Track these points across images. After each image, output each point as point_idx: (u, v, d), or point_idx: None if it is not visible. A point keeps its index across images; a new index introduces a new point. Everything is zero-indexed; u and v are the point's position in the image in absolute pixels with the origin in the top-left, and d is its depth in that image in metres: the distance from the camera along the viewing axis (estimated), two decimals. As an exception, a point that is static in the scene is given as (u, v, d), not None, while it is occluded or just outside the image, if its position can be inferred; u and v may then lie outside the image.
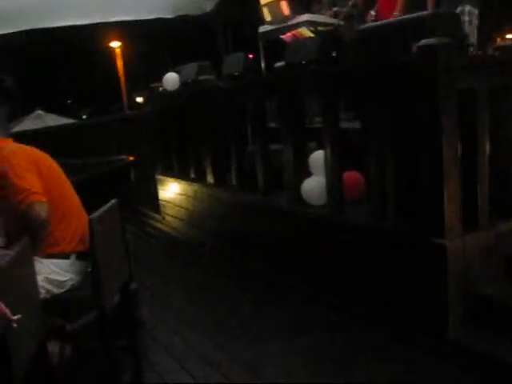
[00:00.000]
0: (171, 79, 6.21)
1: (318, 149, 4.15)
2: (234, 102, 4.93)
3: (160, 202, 6.93)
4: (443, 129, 3.07)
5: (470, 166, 3.33)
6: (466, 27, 4.50)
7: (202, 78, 5.51)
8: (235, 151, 5.05)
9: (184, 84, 5.93)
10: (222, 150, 5.32)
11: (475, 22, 4.87)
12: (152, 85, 6.90)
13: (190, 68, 5.90)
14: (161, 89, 6.57)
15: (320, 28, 5.29)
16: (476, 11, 4.98)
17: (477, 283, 3.19)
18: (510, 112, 3.46)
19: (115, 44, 20.05)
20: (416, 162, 3.26)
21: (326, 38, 4.44)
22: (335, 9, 5.78)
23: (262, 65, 5.82)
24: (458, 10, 4.94)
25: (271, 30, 5.65)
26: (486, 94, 3.29)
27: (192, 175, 5.95)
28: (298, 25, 5.27)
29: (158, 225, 6.75)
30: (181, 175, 6.25)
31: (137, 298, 3.47)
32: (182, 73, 6.10)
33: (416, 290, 3.23)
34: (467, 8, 4.96)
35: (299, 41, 4.73)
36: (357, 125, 3.95)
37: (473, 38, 4.53)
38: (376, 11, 5.29)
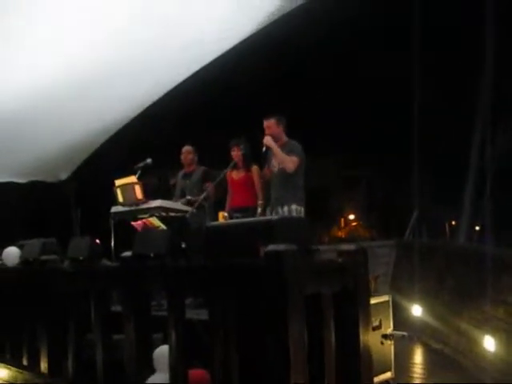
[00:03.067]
0: (11, 254, 5.81)
1: (164, 342, 3.96)
2: (77, 287, 4.65)
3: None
4: (290, 333, 3.04)
5: (318, 369, 3.31)
6: None
7: (44, 257, 5.19)
8: (73, 338, 4.68)
9: (25, 262, 5.55)
10: (60, 335, 4.91)
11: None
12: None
13: (34, 245, 5.57)
14: (0, 263, 6.11)
15: (172, 214, 5.32)
16: (302, 208, 5.39)
17: None
18: (353, 315, 3.56)
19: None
20: (263, 365, 3.18)
21: (175, 229, 4.44)
22: (188, 197, 5.93)
23: (112, 247, 5.66)
24: (285, 209, 5.33)
25: (122, 212, 5.57)
26: (331, 298, 3.37)
27: (24, 362, 5.38)
28: (150, 210, 5.26)
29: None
30: (12, 361, 5.63)
31: None
32: (25, 248, 5.73)
33: None
34: (293, 207, 5.36)
35: (148, 232, 4.69)
36: (204, 315, 3.85)
37: None
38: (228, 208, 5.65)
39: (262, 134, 5.64)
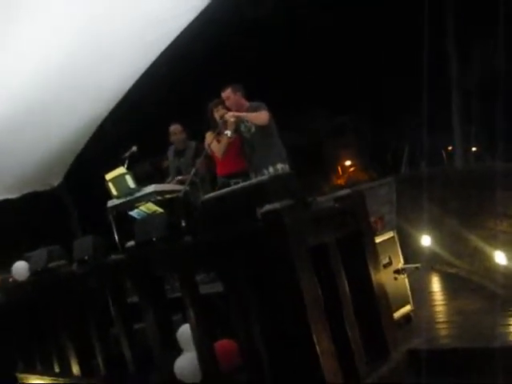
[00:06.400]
0: (20, 268, 5.85)
1: (185, 321, 4.01)
2: (90, 286, 4.71)
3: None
4: (303, 287, 3.08)
5: (337, 318, 3.36)
6: None
7: (52, 264, 5.24)
8: (97, 336, 4.76)
9: (34, 273, 5.60)
10: (84, 336, 4.99)
11: None
12: (1, 276, 6.48)
13: (39, 254, 5.62)
14: (11, 279, 6.16)
15: (168, 196, 5.34)
16: (287, 166, 5.38)
17: None
18: (362, 258, 3.60)
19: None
20: (283, 322, 3.23)
21: (172, 210, 4.46)
22: (179, 177, 5.92)
23: (116, 240, 5.69)
24: (271, 169, 5.31)
25: (119, 204, 5.59)
26: (335, 244, 3.40)
27: (56, 369, 5.47)
28: (145, 196, 5.28)
29: None
30: (44, 371, 5.73)
31: None
32: (32, 260, 5.77)
33: None
34: (279, 166, 5.35)
35: (147, 218, 4.72)
36: (219, 287, 3.89)
37: None
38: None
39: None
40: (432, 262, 6.15)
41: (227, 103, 5.60)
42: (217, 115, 5.75)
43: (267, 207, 3.08)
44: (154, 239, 3.85)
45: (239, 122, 5.51)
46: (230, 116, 5.40)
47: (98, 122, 8.95)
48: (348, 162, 27.63)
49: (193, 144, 6.33)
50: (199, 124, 6.26)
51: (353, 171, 26.81)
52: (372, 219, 4.13)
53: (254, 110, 5.47)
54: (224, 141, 5.56)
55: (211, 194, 3.82)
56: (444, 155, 21.36)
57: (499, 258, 4.70)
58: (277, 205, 3.07)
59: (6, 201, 9.87)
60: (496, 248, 4.76)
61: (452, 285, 5.51)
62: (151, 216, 4.82)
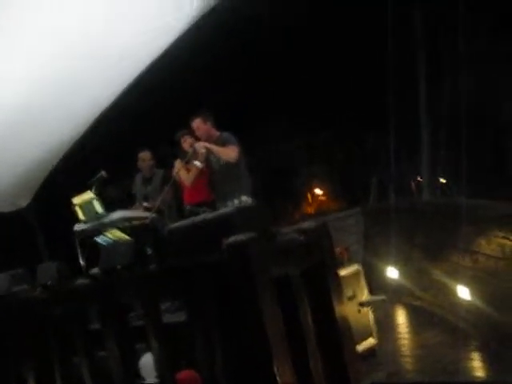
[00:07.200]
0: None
1: (148, 350, 3.98)
2: (53, 312, 4.62)
3: None
4: (266, 319, 3.10)
5: (300, 350, 3.37)
6: None
7: (16, 289, 5.14)
8: (59, 363, 4.66)
9: (-4, 297, 5.48)
10: (46, 363, 4.88)
11: None
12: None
13: (2, 278, 5.50)
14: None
15: (134, 222, 5.31)
16: (252, 199, 5.40)
17: None
18: (325, 290, 3.62)
19: None
20: (245, 353, 3.23)
21: (138, 237, 4.45)
22: (146, 204, 5.92)
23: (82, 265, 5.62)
24: (236, 201, 5.33)
25: (86, 229, 5.54)
26: (299, 277, 3.43)
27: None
28: (112, 223, 5.25)
29: None
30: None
31: None
32: (-6, 283, 5.66)
33: None
34: (243, 198, 5.37)
35: (113, 244, 4.69)
36: (183, 317, 3.88)
37: None
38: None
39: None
40: (398, 295, 6.22)
41: (197, 133, 5.59)
42: (185, 145, 5.81)
43: (232, 238, 3.11)
44: (119, 267, 3.83)
45: (209, 153, 5.52)
46: (201, 147, 5.41)
47: (70, 144, 8.90)
48: (318, 190, 27.76)
49: (160, 172, 6.38)
50: (167, 151, 6.29)
51: (322, 200, 26.93)
52: (338, 249, 4.18)
53: (224, 142, 5.47)
54: (193, 170, 5.58)
55: (178, 223, 3.83)
56: (413, 185, 21.62)
57: (462, 292, 4.78)
58: (241, 236, 3.09)
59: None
60: (459, 282, 4.85)
61: (416, 318, 5.59)
62: (117, 243, 4.79)
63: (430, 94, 12.28)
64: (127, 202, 6.77)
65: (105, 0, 5.59)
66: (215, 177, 5.63)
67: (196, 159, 5.46)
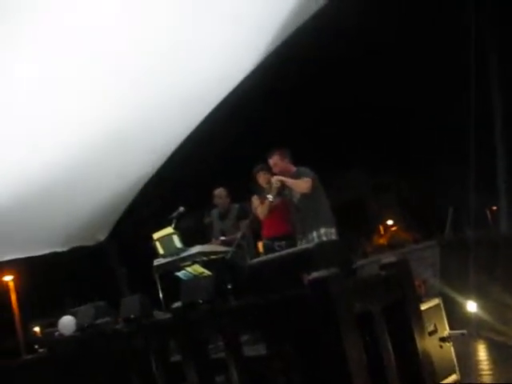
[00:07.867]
0: (67, 323, 5.95)
1: (228, 382, 4.03)
2: (135, 345, 4.76)
3: None
4: (348, 354, 3.10)
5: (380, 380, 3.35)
6: None
7: (99, 321, 5.33)
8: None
9: (80, 328, 5.70)
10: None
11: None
12: (47, 330, 6.58)
13: (86, 310, 5.73)
14: (57, 333, 6.25)
15: (213, 257, 5.43)
16: (333, 229, 5.38)
17: None
18: (407, 325, 3.59)
19: (8, 278, 19.47)
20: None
21: (218, 272, 4.55)
22: (223, 238, 6.04)
23: (161, 299, 5.78)
24: (314, 234, 5.33)
25: (165, 263, 5.70)
26: (381, 312, 3.42)
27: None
28: (191, 257, 5.38)
29: None
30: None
31: None
32: (79, 315, 5.88)
33: None
34: (322, 230, 5.36)
35: (193, 279, 4.81)
36: (263, 349, 3.91)
37: None
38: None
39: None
40: (478, 329, 6.03)
41: (274, 170, 5.68)
42: (262, 180, 5.94)
43: (314, 275, 3.14)
44: (201, 301, 3.92)
45: (283, 186, 5.60)
46: (275, 181, 5.50)
47: (145, 180, 9.19)
48: (390, 222, 27.42)
49: (236, 206, 6.49)
50: (242, 185, 6.40)
51: (395, 231, 26.55)
52: (416, 282, 4.12)
53: (299, 176, 5.55)
54: (266, 204, 5.67)
55: (258, 259, 3.90)
56: (489, 215, 21.00)
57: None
58: (324, 272, 3.12)
59: (54, 254, 10.13)
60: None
61: (499, 353, 5.39)
62: (198, 278, 4.91)
63: (506, 121, 12.01)
64: (201, 233, 6.90)
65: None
66: (293, 209, 5.69)
67: (269, 193, 5.55)
